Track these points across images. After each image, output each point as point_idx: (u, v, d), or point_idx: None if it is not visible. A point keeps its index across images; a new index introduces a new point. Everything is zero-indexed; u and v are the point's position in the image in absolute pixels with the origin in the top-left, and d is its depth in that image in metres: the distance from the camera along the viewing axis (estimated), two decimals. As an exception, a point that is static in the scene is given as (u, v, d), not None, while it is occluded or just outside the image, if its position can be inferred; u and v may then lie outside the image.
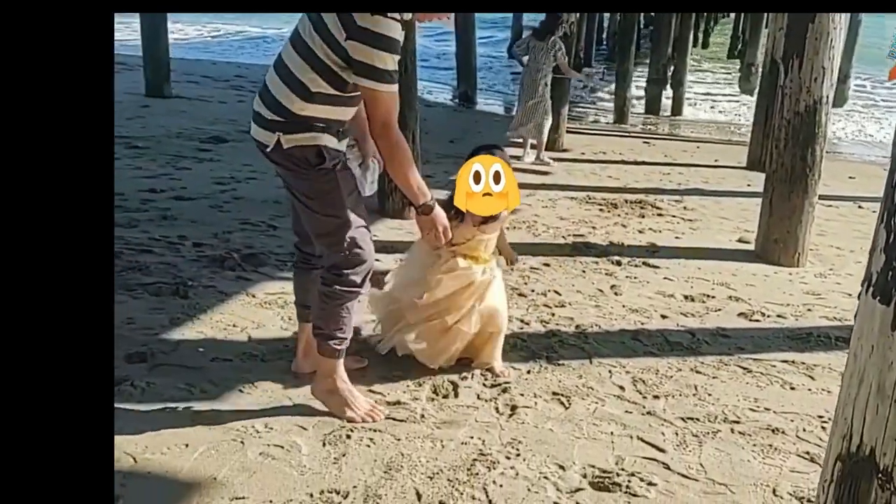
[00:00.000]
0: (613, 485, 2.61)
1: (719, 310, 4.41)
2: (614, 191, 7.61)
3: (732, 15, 30.35)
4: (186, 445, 2.68)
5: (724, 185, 8.50)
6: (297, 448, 2.72)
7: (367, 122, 2.76)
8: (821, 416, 3.16)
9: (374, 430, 2.85)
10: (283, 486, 2.50)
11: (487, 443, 2.83)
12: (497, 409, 3.09)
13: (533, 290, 4.47)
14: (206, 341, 3.50)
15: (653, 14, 19.09)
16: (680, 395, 3.31)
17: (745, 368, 3.61)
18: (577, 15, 9.70)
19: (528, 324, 3.97)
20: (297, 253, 3.14)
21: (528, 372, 3.43)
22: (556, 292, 4.47)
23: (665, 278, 4.92)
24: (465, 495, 2.50)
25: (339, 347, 2.90)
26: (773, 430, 3.05)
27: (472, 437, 2.86)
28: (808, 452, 2.90)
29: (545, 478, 2.63)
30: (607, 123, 14.15)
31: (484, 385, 3.28)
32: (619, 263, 5.14)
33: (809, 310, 4.51)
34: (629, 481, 2.63)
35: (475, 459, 2.71)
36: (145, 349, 3.35)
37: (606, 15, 26.49)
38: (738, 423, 3.09)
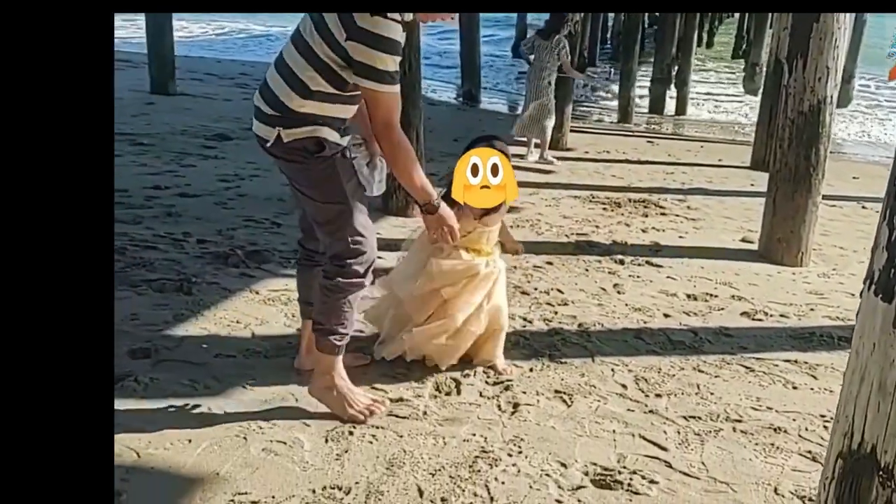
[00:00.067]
0: (615, 482, 2.62)
1: (722, 309, 4.41)
2: (618, 190, 7.61)
3: (737, 15, 30.27)
4: (189, 441, 2.69)
5: (727, 184, 8.50)
6: (299, 444, 2.73)
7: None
8: (823, 416, 3.16)
9: (377, 427, 2.85)
10: (286, 482, 2.51)
11: (489, 440, 2.83)
12: (499, 406, 3.10)
13: (536, 289, 4.47)
14: (210, 337, 3.51)
15: (657, 14, 19.06)
16: (682, 393, 3.31)
17: (747, 367, 3.61)
18: (581, 14, 9.69)
19: (530, 322, 3.97)
20: (300, 250, 3.14)
21: (531, 370, 3.43)
22: (558, 291, 4.48)
23: (668, 277, 4.92)
24: (467, 492, 2.51)
25: (339, 343, 2.88)
26: (775, 430, 3.05)
27: (474, 435, 2.86)
28: (810, 451, 2.90)
29: (547, 475, 2.64)
30: (611, 123, 14.16)
31: (486, 382, 3.28)
32: (622, 262, 5.14)
33: (812, 309, 4.51)
34: (631, 479, 2.64)
35: (477, 456, 2.71)
36: (149, 345, 3.36)
37: (611, 14, 26.45)
38: (740, 421, 3.10)
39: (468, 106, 14.27)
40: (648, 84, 15.89)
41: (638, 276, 4.89)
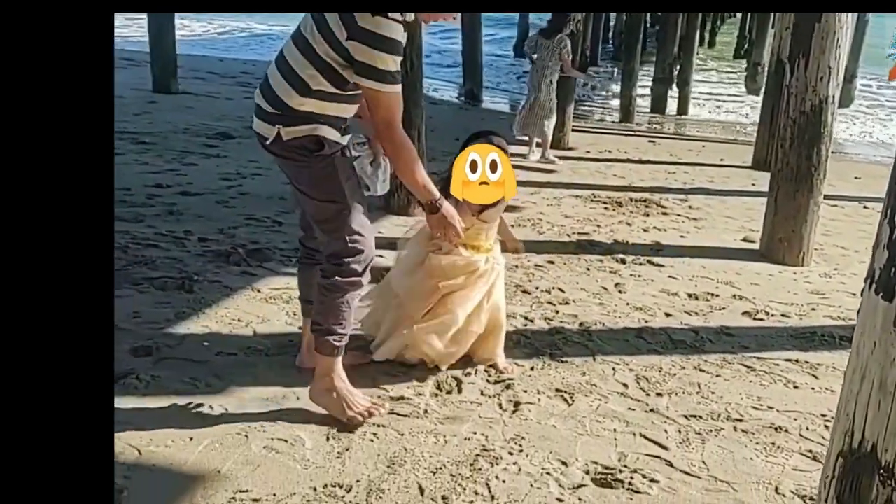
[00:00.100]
0: (616, 481, 2.62)
1: (723, 308, 4.41)
2: (619, 189, 7.61)
3: (739, 14, 30.26)
4: (191, 438, 2.70)
5: (729, 184, 8.50)
6: (300, 442, 2.73)
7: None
8: (824, 415, 3.17)
9: (378, 425, 2.86)
10: (287, 480, 2.51)
11: (490, 438, 2.84)
12: (500, 405, 3.10)
13: (537, 288, 4.48)
14: (212, 335, 3.52)
15: (659, 13, 19.07)
16: (683, 392, 3.31)
17: (748, 367, 3.61)
18: (583, 14, 9.69)
19: (532, 321, 3.98)
20: (301, 248, 3.14)
21: (532, 368, 3.43)
22: (560, 290, 4.48)
23: (669, 277, 4.93)
24: (468, 490, 2.51)
25: (338, 344, 2.86)
26: (776, 429, 3.05)
27: (475, 433, 2.87)
28: (810, 451, 2.90)
29: (548, 474, 2.64)
30: (613, 122, 14.16)
31: (487, 381, 3.28)
32: (623, 262, 5.14)
33: (813, 309, 4.51)
34: (631, 478, 2.64)
35: (478, 455, 2.72)
36: (151, 343, 3.36)
37: (613, 14, 26.45)
38: (741, 421, 3.10)
39: (470, 105, 14.27)
40: (650, 83, 15.89)
41: (639, 276, 4.89)
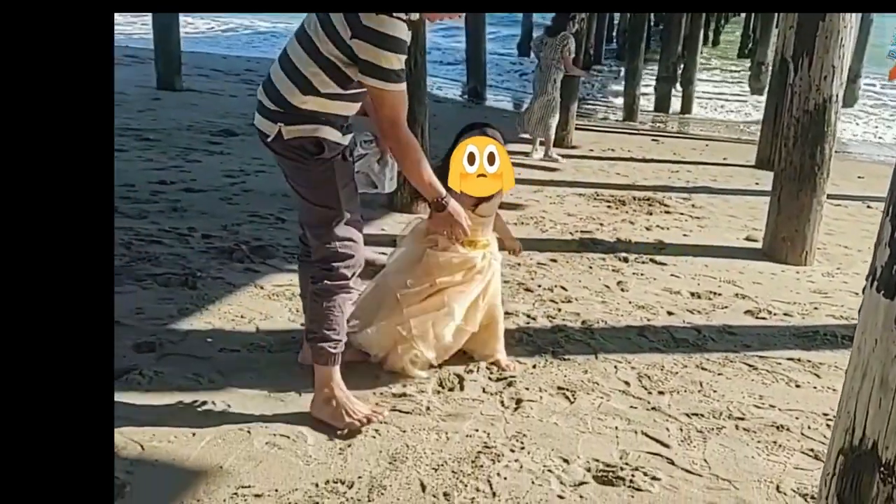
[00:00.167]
0: (617, 479, 2.62)
1: (726, 307, 4.41)
2: (622, 188, 7.61)
3: (743, 13, 30.23)
4: (193, 434, 2.71)
5: (732, 183, 8.49)
6: (302, 438, 2.74)
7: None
8: (826, 414, 3.17)
9: (380, 422, 2.86)
10: (289, 476, 2.52)
11: (492, 436, 2.84)
12: (502, 402, 3.10)
13: (539, 286, 4.48)
14: (215, 332, 3.53)
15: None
16: (685, 391, 3.32)
17: (750, 366, 3.61)
18: (587, 13, 9.69)
19: (534, 319, 3.98)
20: (301, 246, 3.13)
21: (534, 366, 3.44)
22: (562, 288, 4.48)
23: (672, 275, 4.93)
24: (470, 487, 2.52)
25: (333, 351, 2.83)
26: (777, 428, 3.05)
27: (476, 430, 2.87)
28: (812, 450, 2.90)
29: (549, 471, 2.65)
30: (616, 121, 14.16)
31: (489, 379, 3.29)
32: (625, 260, 5.14)
33: (816, 308, 4.51)
34: (633, 476, 2.64)
35: (480, 452, 2.72)
36: (154, 339, 3.37)
37: (617, 13, 26.43)
38: (742, 419, 3.10)
39: (474, 103, 14.28)
40: (654, 82, 15.88)
41: (642, 274, 4.89)
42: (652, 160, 9.54)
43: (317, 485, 2.48)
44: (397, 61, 2.57)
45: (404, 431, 2.83)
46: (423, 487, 2.50)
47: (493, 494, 2.49)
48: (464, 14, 2.91)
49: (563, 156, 8.95)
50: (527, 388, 3.22)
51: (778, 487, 2.65)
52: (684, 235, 6.01)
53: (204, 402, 2.91)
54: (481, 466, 2.63)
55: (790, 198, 5.36)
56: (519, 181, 7.37)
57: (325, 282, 2.79)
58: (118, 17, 17.95)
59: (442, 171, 3.08)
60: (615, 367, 3.49)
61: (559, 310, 4.12)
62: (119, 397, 2.87)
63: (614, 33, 28.72)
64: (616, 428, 2.97)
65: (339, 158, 2.75)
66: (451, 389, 3.18)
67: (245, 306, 3.83)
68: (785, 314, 4.36)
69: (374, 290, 3.38)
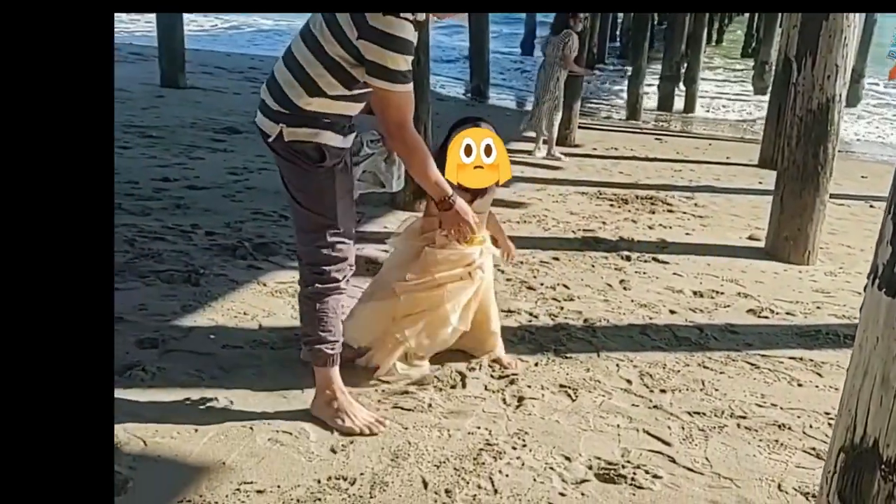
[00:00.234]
0: (619, 476, 2.63)
1: (728, 306, 4.41)
2: (625, 186, 7.61)
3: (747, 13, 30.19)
4: (196, 430, 2.71)
5: (735, 182, 8.49)
6: (305, 434, 2.74)
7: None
8: (827, 413, 3.17)
9: (379, 432, 2.83)
10: (291, 472, 2.52)
11: (494, 433, 2.84)
12: (504, 400, 3.11)
13: (542, 284, 4.48)
14: (217, 328, 3.53)
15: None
16: (687, 389, 3.32)
17: (752, 364, 3.61)
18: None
19: (536, 317, 3.98)
20: (298, 247, 3.11)
21: (536, 364, 3.44)
22: (564, 286, 4.49)
23: (674, 274, 4.93)
24: (472, 484, 2.52)
25: (331, 353, 2.83)
26: (779, 426, 3.05)
27: (478, 428, 2.88)
28: (814, 448, 2.90)
29: (551, 468, 2.65)
30: (619, 119, 14.15)
31: (491, 376, 3.29)
32: (628, 258, 5.14)
33: (819, 307, 4.51)
34: (634, 473, 2.65)
35: (482, 449, 2.73)
36: (157, 335, 3.38)
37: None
38: (744, 418, 3.10)
39: (476, 101, 14.28)
40: (657, 81, 15.88)
41: (644, 273, 4.89)
42: (655, 159, 9.54)
43: (319, 481, 2.49)
44: (404, 62, 2.54)
45: (406, 428, 2.83)
46: (425, 484, 2.51)
47: (495, 492, 2.50)
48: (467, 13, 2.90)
49: (566, 154, 8.95)
50: (529, 386, 3.22)
51: (779, 486, 2.65)
52: (687, 234, 6.01)
53: (206, 399, 2.92)
54: (483, 464, 2.64)
55: (793, 197, 5.36)
56: (522, 179, 7.41)
57: (317, 285, 2.78)
58: (122, 14, 17.99)
59: (437, 164, 3.06)
60: (617, 365, 3.49)
61: (561, 308, 4.13)
62: (122, 393, 2.88)
63: (618, 32, 28.71)
64: (618, 426, 2.97)
65: (340, 167, 2.72)
66: (453, 387, 3.18)
67: (248, 303, 3.84)
68: (787, 313, 4.36)
69: (368, 290, 3.38)
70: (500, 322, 3.51)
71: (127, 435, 2.63)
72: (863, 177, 9.53)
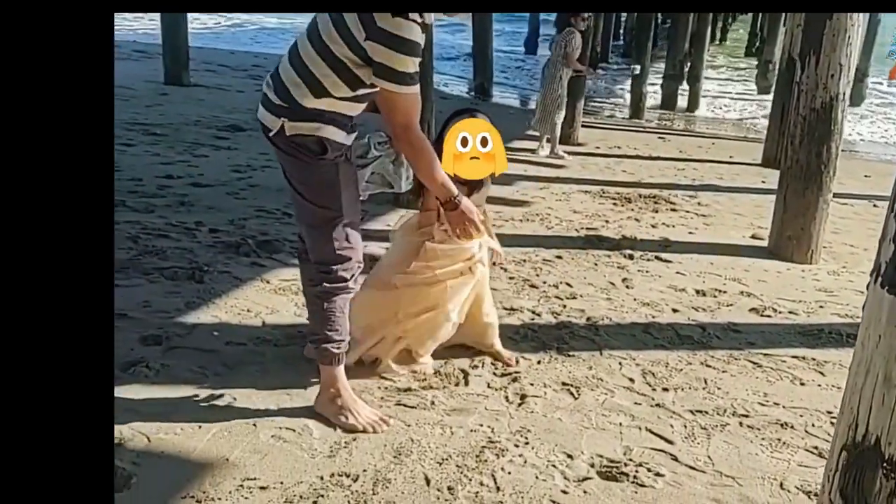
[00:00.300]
0: (621, 474, 2.63)
1: (731, 305, 4.41)
2: (628, 185, 7.61)
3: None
4: (199, 426, 2.72)
5: (738, 181, 8.48)
6: (308, 431, 2.75)
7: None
8: (830, 412, 3.17)
9: (382, 431, 2.84)
10: (294, 469, 2.53)
11: (496, 430, 2.85)
12: (507, 397, 3.12)
13: (545, 282, 4.49)
14: (221, 325, 3.54)
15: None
16: (689, 388, 3.32)
17: (755, 363, 3.62)
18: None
19: (539, 315, 3.99)
20: (300, 244, 3.11)
21: (539, 362, 3.44)
22: (567, 284, 4.49)
23: (677, 273, 4.93)
24: (474, 481, 2.53)
25: (337, 352, 2.84)
26: (781, 425, 3.06)
27: (481, 425, 2.88)
28: (816, 447, 2.91)
29: (553, 466, 2.66)
30: (623, 118, 14.14)
31: (494, 374, 3.30)
32: (631, 257, 5.15)
33: (821, 306, 4.51)
34: (637, 471, 2.65)
35: (484, 446, 2.73)
36: (161, 332, 3.39)
37: (624, 10, 26.38)
38: (746, 416, 3.11)
39: (480, 100, 14.27)
40: (660, 80, 15.86)
41: (647, 271, 4.89)
42: (658, 158, 9.54)
43: (322, 478, 2.49)
44: (412, 64, 2.53)
45: (409, 426, 2.84)
46: (428, 481, 2.51)
47: (497, 489, 2.50)
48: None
49: (569, 153, 8.95)
50: (531, 384, 3.23)
51: (781, 484, 2.66)
52: (690, 233, 6.01)
53: (210, 395, 2.93)
54: (485, 461, 2.65)
55: (796, 196, 5.36)
56: (525, 178, 7.41)
57: (325, 284, 2.77)
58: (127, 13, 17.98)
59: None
60: (619, 363, 3.50)
61: (564, 306, 4.13)
62: (125, 390, 2.89)
63: (621, 31, 28.68)
64: (620, 424, 2.98)
65: (342, 160, 2.71)
66: (455, 384, 3.19)
67: (251, 300, 3.84)
68: (790, 312, 4.36)
69: (364, 282, 3.36)
70: (503, 320, 3.52)
71: (130, 431, 2.64)
72: (866, 176, 9.51)
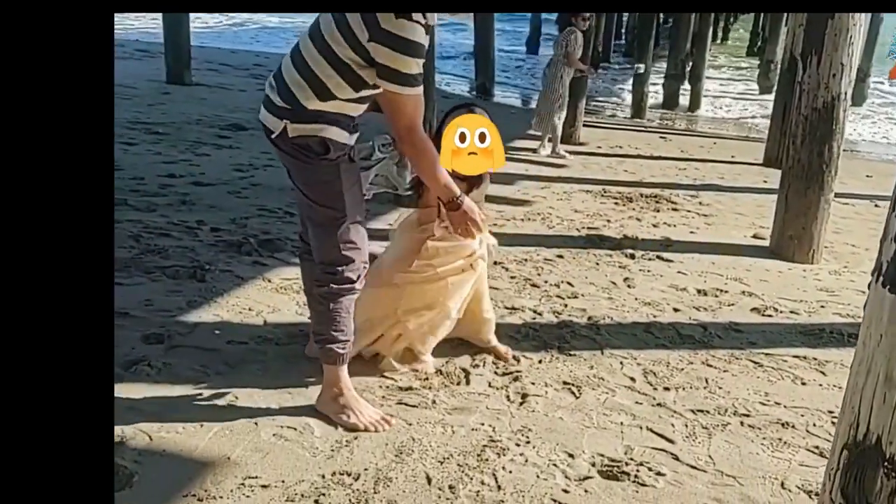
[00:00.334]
0: (622, 473, 2.63)
1: (732, 304, 4.41)
2: (630, 185, 7.61)
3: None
4: (201, 425, 2.72)
5: (739, 181, 8.48)
6: (309, 430, 2.75)
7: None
8: (831, 412, 3.17)
9: (384, 431, 2.84)
10: (296, 467, 2.54)
11: (498, 430, 2.85)
12: (508, 396, 3.12)
13: (546, 282, 4.49)
14: (223, 324, 3.55)
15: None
16: (690, 387, 3.32)
17: (756, 363, 3.62)
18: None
19: (540, 314, 3.99)
20: (301, 244, 3.09)
21: (540, 361, 3.45)
22: (569, 284, 4.49)
23: (678, 272, 4.93)
24: (475, 480, 2.53)
25: (341, 352, 2.84)
26: (782, 425, 3.06)
27: (482, 424, 2.88)
28: (817, 447, 2.91)
29: (554, 465, 2.66)
30: (624, 118, 14.14)
31: (495, 373, 3.30)
32: (632, 256, 5.15)
33: (823, 306, 4.51)
34: (637, 471, 2.65)
35: (485, 445, 2.74)
36: (162, 331, 3.39)
37: (625, 9, 26.37)
38: (747, 416, 3.11)
39: (482, 99, 14.27)
40: (662, 79, 15.86)
41: (648, 271, 4.90)
42: (659, 157, 9.54)
43: (323, 476, 2.50)
44: (416, 66, 2.52)
45: (410, 425, 2.84)
46: (429, 480, 2.52)
47: (499, 488, 2.51)
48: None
49: (571, 152, 8.96)
50: (532, 383, 3.23)
51: (783, 484, 2.66)
52: (691, 233, 6.01)
53: (211, 394, 2.93)
54: (486, 460, 2.65)
55: (798, 196, 5.36)
56: (526, 177, 7.41)
57: (331, 285, 2.77)
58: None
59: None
60: (621, 362, 3.50)
61: (565, 305, 4.13)
62: (127, 388, 2.89)
63: (623, 30, 28.67)
64: (621, 423, 2.98)
65: (344, 159, 2.71)
66: (457, 383, 3.19)
67: (253, 299, 3.85)
68: (791, 312, 4.36)
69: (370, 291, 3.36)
70: (504, 319, 3.52)
71: (132, 429, 2.64)
72: (868, 176, 9.51)
